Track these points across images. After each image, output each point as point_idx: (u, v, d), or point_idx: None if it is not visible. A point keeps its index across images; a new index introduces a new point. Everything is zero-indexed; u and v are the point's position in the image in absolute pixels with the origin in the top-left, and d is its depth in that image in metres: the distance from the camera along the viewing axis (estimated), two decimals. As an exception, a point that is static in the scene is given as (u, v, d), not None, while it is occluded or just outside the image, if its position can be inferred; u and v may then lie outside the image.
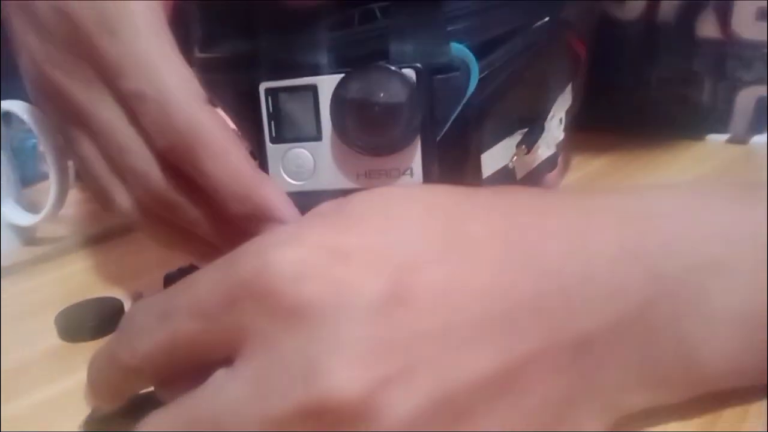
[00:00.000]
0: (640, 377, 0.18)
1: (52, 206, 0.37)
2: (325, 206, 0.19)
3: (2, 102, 0.37)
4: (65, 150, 0.37)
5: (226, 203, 0.23)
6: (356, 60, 0.27)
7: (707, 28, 0.44)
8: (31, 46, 0.26)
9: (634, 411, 0.18)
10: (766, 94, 0.46)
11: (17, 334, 0.29)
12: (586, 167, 0.46)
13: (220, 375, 0.16)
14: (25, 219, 0.39)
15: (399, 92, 0.25)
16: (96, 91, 0.25)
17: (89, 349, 0.26)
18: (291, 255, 0.15)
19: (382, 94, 0.25)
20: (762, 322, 0.18)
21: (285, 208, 0.23)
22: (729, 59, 0.45)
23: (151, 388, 0.19)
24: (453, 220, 0.17)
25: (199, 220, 0.25)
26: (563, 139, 0.36)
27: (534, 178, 0.34)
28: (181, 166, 0.24)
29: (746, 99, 0.47)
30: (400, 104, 0.25)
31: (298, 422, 0.14)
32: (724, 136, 0.48)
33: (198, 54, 0.30)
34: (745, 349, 0.18)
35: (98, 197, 0.27)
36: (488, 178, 0.31)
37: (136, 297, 0.30)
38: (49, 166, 0.36)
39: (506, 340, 0.16)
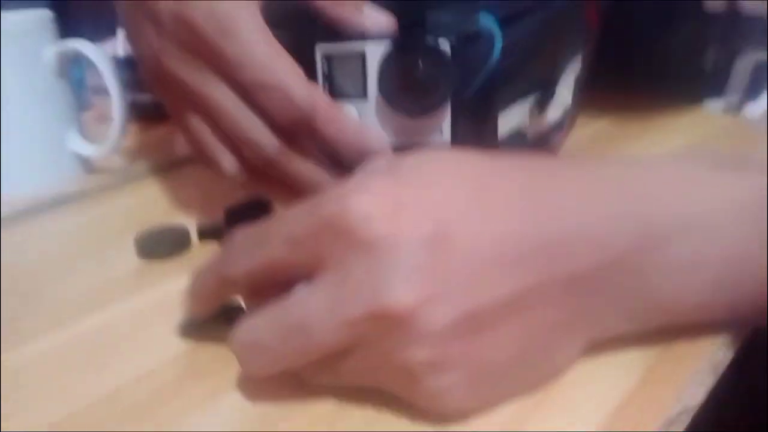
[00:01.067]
0: (619, 310, 0.23)
1: (116, 140, 0.42)
2: (381, 163, 0.23)
3: (71, 41, 0.41)
4: (126, 87, 0.41)
5: (344, 152, 0.31)
6: (400, 27, 0.31)
7: (714, 3, 0.48)
8: (150, 41, 0.32)
9: (612, 336, 0.24)
10: (763, 60, 0.50)
11: (94, 257, 0.34)
12: (592, 126, 0.50)
13: (302, 289, 0.21)
14: (89, 150, 0.43)
15: (435, 63, 0.30)
16: (211, 80, 0.31)
17: (163, 266, 0.32)
18: (363, 200, 0.20)
19: (421, 65, 0.29)
20: (727, 269, 0.23)
21: (387, 150, 0.31)
22: (732, 30, 0.49)
23: (239, 302, 0.25)
24: (480, 181, 0.22)
25: (309, 168, 0.32)
26: (571, 104, 0.41)
27: (544, 139, 0.39)
28: (298, 134, 0.31)
29: (744, 65, 0.51)
30: (437, 74, 0.29)
31: (365, 325, 0.20)
32: (721, 103, 0.52)
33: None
34: (708, 291, 0.24)
35: (206, 163, 0.34)
36: (503, 138, 0.36)
37: (199, 226, 0.35)
38: (114, 103, 0.41)
39: (516, 275, 0.21)
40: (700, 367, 0.24)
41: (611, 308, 0.23)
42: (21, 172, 0.42)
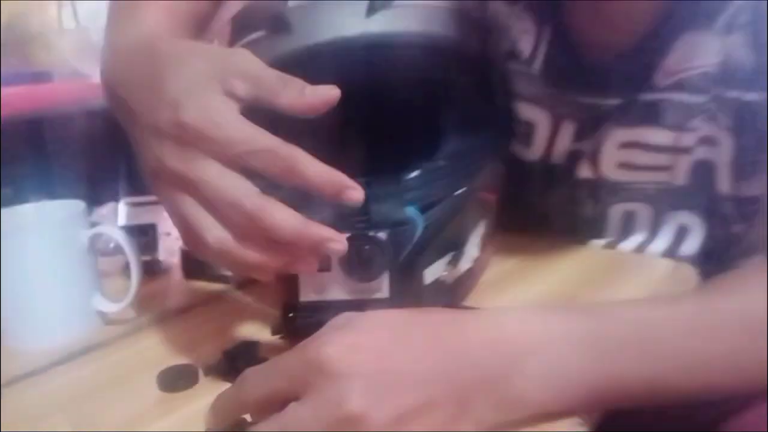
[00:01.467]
0: (493, 406, 0.36)
1: (132, 297, 0.54)
2: (340, 319, 0.37)
3: (102, 227, 0.54)
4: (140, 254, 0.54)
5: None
6: (352, 215, 0.45)
7: (584, 170, 0.63)
8: (154, 149, 0.41)
9: (490, 424, 0.36)
10: (631, 210, 0.65)
11: (121, 392, 0.45)
12: (502, 265, 0.64)
13: (293, 405, 0.33)
14: (110, 307, 0.55)
15: (377, 248, 0.43)
16: (203, 163, 0.39)
17: (180, 397, 0.43)
18: (330, 350, 0.33)
19: (367, 249, 0.43)
20: (562, 380, 0.36)
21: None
22: (601, 190, 0.65)
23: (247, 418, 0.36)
24: (403, 332, 0.36)
25: (285, 220, 0.39)
26: (479, 255, 0.55)
27: (459, 283, 0.53)
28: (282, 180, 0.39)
29: (616, 214, 0.66)
30: (378, 255, 0.43)
31: (337, 426, 0.32)
32: (602, 242, 0.67)
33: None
34: (553, 396, 0.37)
35: (194, 243, 0.41)
36: (428, 285, 0.49)
37: (204, 365, 0.47)
38: (133, 271, 0.53)
39: (426, 391, 0.34)
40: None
41: (489, 406, 0.36)
42: (56, 327, 0.53)
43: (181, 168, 0.40)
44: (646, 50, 0.54)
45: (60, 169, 0.86)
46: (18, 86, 0.98)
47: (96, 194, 0.74)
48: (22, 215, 0.56)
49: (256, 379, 0.35)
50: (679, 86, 0.54)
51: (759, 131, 0.52)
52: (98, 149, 0.89)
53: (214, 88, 0.40)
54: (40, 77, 1.02)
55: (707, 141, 0.55)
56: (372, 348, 0.34)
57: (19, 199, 0.68)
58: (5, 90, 0.95)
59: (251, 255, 0.40)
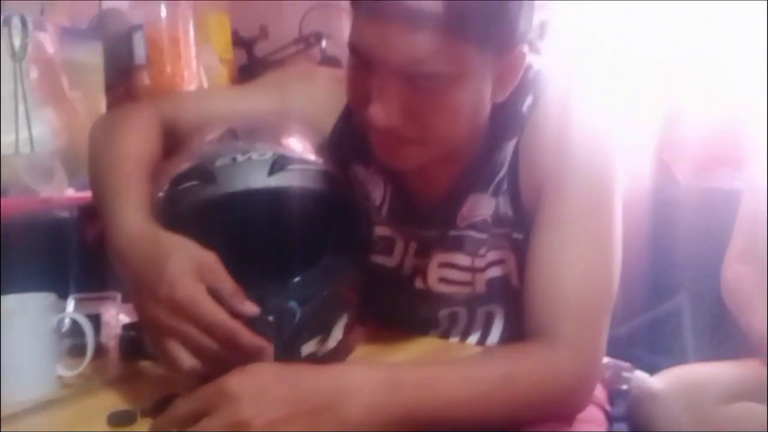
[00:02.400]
0: (331, 423, 0.57)
1: (85, 366, 0.74)
2: (247, 368, 0.59)
3: (69, 313, 0.74)
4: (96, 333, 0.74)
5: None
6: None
7: (419, 282, 0.89)
8: (151, 308, 0.65)
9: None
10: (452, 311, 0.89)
11: (80, 428, 0.65)
12: (366, 347, 0.87)
13: (204, 419, 0.55)
14: (68, 372, 0.74)
15: (267, 327, 0.67)
16: (182, 320, 0.64)
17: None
18: (231, 380, 0.56)
19: (260, 327, 0.66)
20: (374, 410, 0.59)
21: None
22: (429, 297, 0.88)
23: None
24: (276, 373, 0.58)
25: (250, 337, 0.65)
26: (342, 338, 0.78)
27: (327, 357, 0.75)
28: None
29: (443, 315, 0.88)
30: (267, 333, 0.66)
31: (230, 427, 0.54)
32: (436, 335, 0.91)
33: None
34: (367, 420, 0.59)
35: (170, 364, 0.65)
36: (304, 357, 0.72)
37: (141, 410, 0.67)
38: (88, 344, 0.74)
39: (282, 411, 0.55)
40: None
41: (326, 423, 0.58)
42: (28, 384, 0.72)
43: (170, 323, 0.65)
44: (449, 203, 0.83)
45: (10, 268, 1.05)
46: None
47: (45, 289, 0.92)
48: (4, 301, 0.75)
49: (184, 403, 0.57)
50: (471, 226, 0.82)
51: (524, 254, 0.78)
52: (44, 254, 1.08)
53: (194, 277, 0.66)
54: (-5, 192, 1.22)
55: (497, 263, 0.83)
56: (257, 380, 0.57)
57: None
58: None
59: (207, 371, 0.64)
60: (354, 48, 0.72)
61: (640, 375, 1.03)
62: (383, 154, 0.78)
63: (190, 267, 0.66)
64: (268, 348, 0.67)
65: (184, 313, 0.64)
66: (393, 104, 0.71)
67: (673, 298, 1.50)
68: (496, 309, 0.86)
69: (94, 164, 0.80)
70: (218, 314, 0.65)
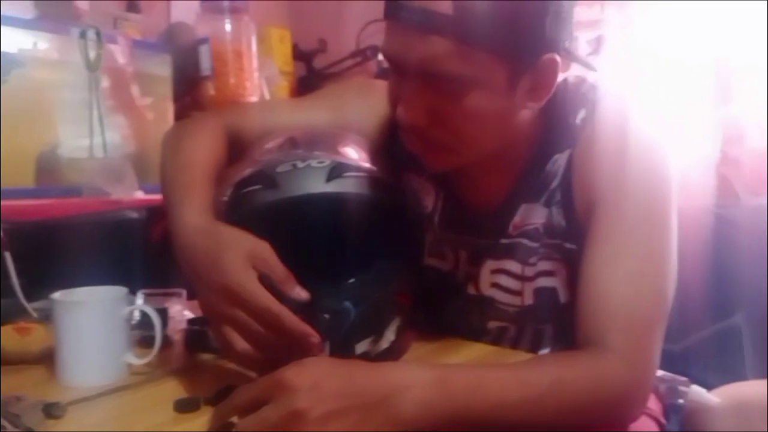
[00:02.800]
0: (384, 420, 0.59)
1: (154, 355, 0.78)
2: (305, 360, 0.62)
3: (139, 305, 0.79)
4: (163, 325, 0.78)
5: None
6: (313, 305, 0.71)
7: (471, 288, 0.90)
8: (210, 298, 0.69)
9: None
10: (501, 326, 0.90)
11: (146, 414, 0.69)
12: (420, 349, 0.89)
13: (264, 407, 0.57)
14: (136, 361, 0.79)
15: (322, 325, 0.70)
16: (234, 307, 0.68)
17: (189, 417, 0.67)
18: (288, 373, 0.58)
19: (317, 325, 0.69)
20: (424, 409, 0.62)
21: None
22: (481, 303, 0.90)
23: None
24: (332, 367, 0.61)
25: (294, 322, 0.68)
26: (394, 340, 0.80)
27: (380, 357, 0.78)
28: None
29: (492, 327, 0.91)
30: (322, 331, 0.69)
31: (287, 418, 0.56)
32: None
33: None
34: (419, 417, 0.61)
35: (228, 352, 0.70)
36: (357, 355, 0.75)
37: (204, 398, 0.70)
38: (156, 335, 0.78)
39: (337, 404, 0.58)
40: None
41: (378, 419, 0.60)
42: (99, 371, 0.77)
43: (224, 309, 0.69)
44: (502, 212, 0.85)
45: (74, 265, 1.11)
46: (53, 198, 1.25)
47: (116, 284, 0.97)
48: (79, 293, 0.81)
49: (243, 392, 0.60)
50: (523, 234, 0.84)
51: (577, 267, 0.79)
52: (115, 251, 1.14)
53: (246, 264, 0.69)
54: (70, 192, 1.30)
55: (546, 273, 0.84)
56: (313, 373, 0.59)
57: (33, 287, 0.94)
58: (40, 201, 1.22)
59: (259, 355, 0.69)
60: (384, 53, 0.77)
61: (696, 390, 1.02)
62: (418, 156, 0.81)
63: (241, 255, 0.69)
64: (318, 340, 0.68)
65: (235, 300, 0.68)
66: (417, 106, 0.74)
67: (732, 317, 1.47)
68: (545, 328, 0.87)
69: (164, 169, 0.85)
70: (265, 299, 0.67)
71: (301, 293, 0.70)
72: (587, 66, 0.83)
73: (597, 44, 1.77)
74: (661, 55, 1.65)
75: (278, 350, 0.68)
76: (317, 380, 0.59)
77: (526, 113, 0.79)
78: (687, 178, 0.84)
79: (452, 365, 0.68)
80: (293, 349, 0.67)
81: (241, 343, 0.68)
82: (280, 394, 0.58)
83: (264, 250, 0.71)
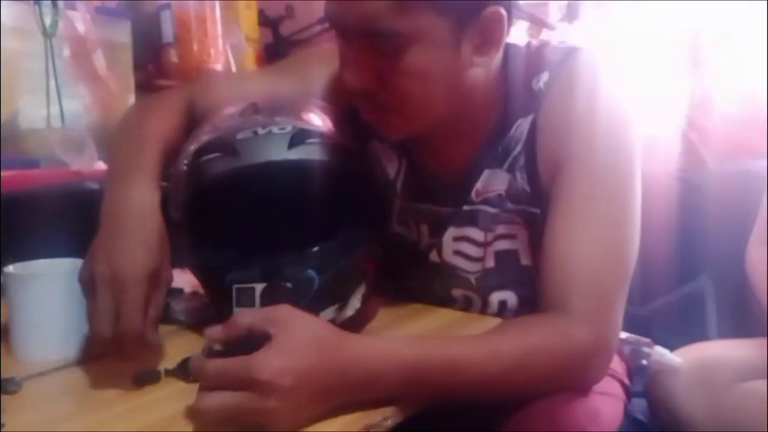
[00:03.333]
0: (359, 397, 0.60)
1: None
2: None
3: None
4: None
5: None
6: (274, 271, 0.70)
7: (434, 255, 0.89)
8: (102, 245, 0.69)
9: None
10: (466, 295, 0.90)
11: (106, 385, 0.68)
12: (386, 317, 0.88)
13: (232, 395, 0.56)
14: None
15: (285, 293, 0.69)
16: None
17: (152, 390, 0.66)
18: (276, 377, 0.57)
19: (279, 293, 0.68)
20: (401, 389, 0.62)
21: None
22: (444, 270, 0.89)
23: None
24: (322, 380, 0.59)
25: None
26: (359, 307, 0.80)
27: (346, 324, 0.77)
28: None
29: (457, 295, 0.90)
30: (285, 299, 0.68)
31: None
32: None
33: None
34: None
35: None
36: (322, 324, 0.74)
37: (165, 370, 0.69)
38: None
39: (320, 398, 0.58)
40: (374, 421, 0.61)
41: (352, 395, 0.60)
42: (58, 344, 0.75)
43: (103, 285, 0.68)
44: (464, 179, 0.84)
45: (34, 238, 1.08)
46: (12, 170, 1.21)
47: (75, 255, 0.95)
48: (36, 266, 0.79)
49: (216, 365, 0.59)
50: (485, 201, 0.83)
51: (540, 230, 0.79)
52: (74, 223, 1.11)
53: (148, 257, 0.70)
54: (30, 164, 1.26)
55: (507, 237, 0.84)
56: (292, 374, 0.57)
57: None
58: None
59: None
60: (327, 17, 0.76)
61: (659, 350, 1.03)
62: (372, 123, 0.80)
63: (149, 249, 0.70)
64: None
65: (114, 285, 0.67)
66: (362, 68, 0.74)
67: (696, 280, 1.49)
68: (510, 297, 0.87)
69: (119, 134, 0.84)
70: (134, 313, 0.67)
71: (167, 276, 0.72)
72: (543, 24, 0.82)
73: (568, 10, 1.76)
74: (633, 25, 1.65)
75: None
76: (295, 384, 0.57)
77: (480, 74, 0.78)
78: (654, 143, 0.84)
79: (428, 343, 0.67)
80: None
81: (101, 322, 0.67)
82: (252, 387, 0.56)
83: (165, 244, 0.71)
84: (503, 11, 0.74)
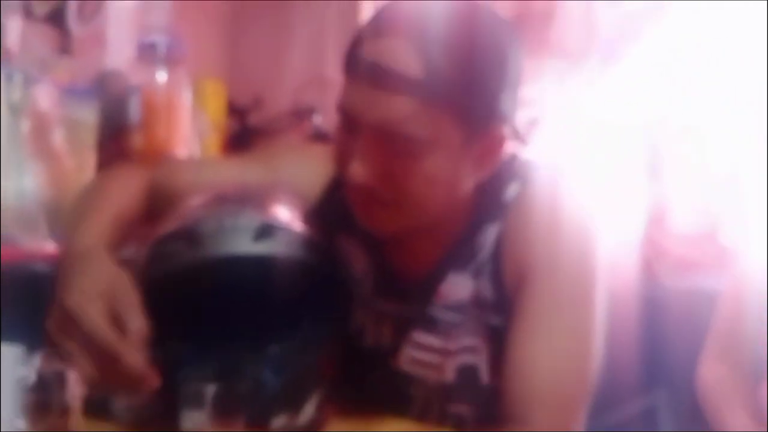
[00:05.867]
0: None
1: (50, 421, 0.71)
2: None
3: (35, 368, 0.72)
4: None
5: None
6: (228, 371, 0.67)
7: (393, 360, 0.86)
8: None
9: None
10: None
11: None
12: (340, 424, 0.84)
13: None
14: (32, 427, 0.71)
15: (238, 396, 0.65)
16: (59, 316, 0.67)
17: None
18: None
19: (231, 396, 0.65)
20: None
21: None
22: (398, 378, 0.86)
23: None
24: None
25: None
26: (314, 414, 0.76)
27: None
28: None
29: (415, 400, 0.87)
30: (238, 402, 0.64)
31: None
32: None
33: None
34: None
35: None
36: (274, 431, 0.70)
37: None
38: (53, 400, 0.71)
39: None
40: None
41: None
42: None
43: (65, 332, 0.67)
44: (429, 280, 0.83)
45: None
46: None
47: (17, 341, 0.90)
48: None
49: None
50: (447, 307, 0.82)
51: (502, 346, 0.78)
52: (20, 306, 1.05)
53: (92, 294, 0.67)
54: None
55: (469, 350, 0.82)
56: None
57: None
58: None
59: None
60: (342, 108, 0.76)
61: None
62: (360, 215, 0.79)
63: (92, 283, 0.68)
64: (157, 383, 0.66)
65: (74, 326, 0.66)
66: (372, 163, 0.73)
67: (651, 393, 1.49)
68: (465, 411, 0.85)
69: (73, 210, 0.82)
70: (102, 332, 0.65)
71: (135, 322, 0.67)
72: (521, 141, 0.85)
73: (530, 124, 1.83)
74: (596, 119, 1.71)
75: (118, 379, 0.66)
76: None
77: (468, 183, 0.79)
78: (614, 256, 0.86)
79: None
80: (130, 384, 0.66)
81: (81, 362, 0.66)
82: None
83: (119, 282, 0.69)
84: (505, 132, 0.76)
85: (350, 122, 0.75)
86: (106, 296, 0.67)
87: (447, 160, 0.74)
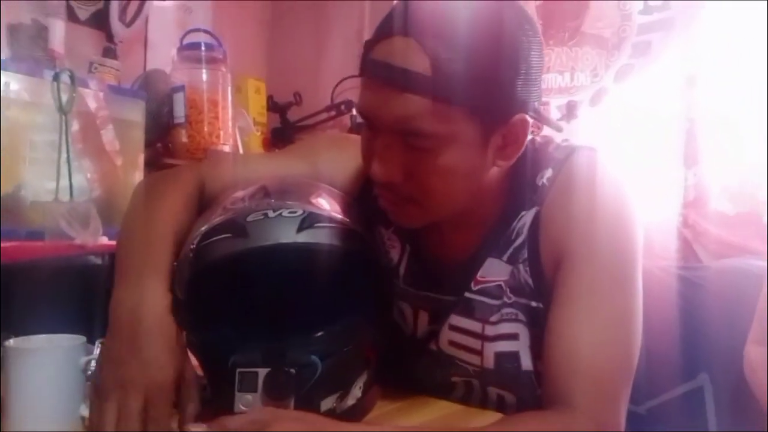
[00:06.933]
0: None
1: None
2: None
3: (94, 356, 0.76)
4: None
5: None
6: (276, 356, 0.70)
7: (433, 344, 0.89)
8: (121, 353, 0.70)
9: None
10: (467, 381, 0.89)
11: None
12: (385, 407, 0.87)
13: None
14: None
15: (288, 379, 0.68)
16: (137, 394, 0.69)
17: None
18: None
19: (281, 378, 0.68)
20: None
21: None
22: (441, 360, 0.89)
23: None
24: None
25: None
26: (361, 397, 0.79)
27: (345, 413, 0.76)
28: None
29: (458, 383, 0.89)
30: (288, 385, 0.68)
31: None
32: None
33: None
34: None
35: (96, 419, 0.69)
36: (322, 412, 0.73)
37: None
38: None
39: None
40: None
41: None
42: (52, 422, 0.73)
43: (125, 395, 0.69)
44: (466, 267, 0.85)
45: (35, 311, 1.08)
46: (14, 241, 1.22)
47: (75, 332, 0.94)
48: (35, 340, 0.78)
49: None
50: (483, 292, 0.84)
51: (542, 330, 0.79)
52: (76, 298, 1.11)
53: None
54: (33, 235, 1.27)
55: (509, 336, 0.83)
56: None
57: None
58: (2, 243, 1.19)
59: None
60: (359, 110, 0.78)
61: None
62: (389, 211, 0.81)
63: (173, 348, 0.71)
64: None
65: (144, 397, 0.68)
66: (392, 162, 0.75)
67: (694, 378, 1.48)
68: (507, 395, 0.86)
69: (130, 222, 0.83)
70: (164, 418, 0.68)
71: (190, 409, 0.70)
72: (555, 127, 0.85)
73: (567, 109, 1.83)
74: (635, 111, 1.69)
75: None
76: None
77: (495, 171, 0.80)
78: (651, 238, 0.85)
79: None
80: None
81: (111, 425, 0.67)
82: None
83: (185, 371, 0.72)
84: (528, 118, 0.76)
85: (370, 122, 0.77)
86: (176, 361, 0.70)
87: (465, 154, 0.75)
